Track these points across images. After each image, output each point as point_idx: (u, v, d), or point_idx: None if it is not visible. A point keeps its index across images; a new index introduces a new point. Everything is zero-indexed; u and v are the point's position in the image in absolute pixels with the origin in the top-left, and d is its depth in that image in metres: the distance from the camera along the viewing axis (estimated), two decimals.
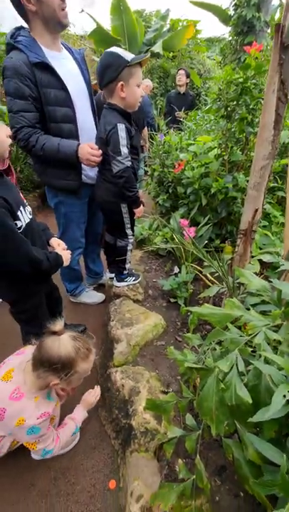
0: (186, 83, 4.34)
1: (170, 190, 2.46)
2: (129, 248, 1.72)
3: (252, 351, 0.82)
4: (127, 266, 1.78)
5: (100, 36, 6.12)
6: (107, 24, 6.22)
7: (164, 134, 2.88)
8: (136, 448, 0.99)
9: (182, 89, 4.32)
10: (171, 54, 6.69)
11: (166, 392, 1.15)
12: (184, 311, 1.53)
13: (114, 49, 1.25)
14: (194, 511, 0.78)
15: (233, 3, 4.41)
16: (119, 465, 1.08)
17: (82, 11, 6.17)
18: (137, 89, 1.31)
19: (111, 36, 6.07)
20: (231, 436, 0.93)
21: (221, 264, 1.30)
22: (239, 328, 0.95)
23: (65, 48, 1.41)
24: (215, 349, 1.10)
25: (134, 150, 1.43)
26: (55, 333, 0.92)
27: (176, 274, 1.88)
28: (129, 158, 1.33)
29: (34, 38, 1.25)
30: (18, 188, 1.96)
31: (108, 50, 1.26)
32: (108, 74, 1.25)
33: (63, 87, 1.29)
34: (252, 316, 0.85)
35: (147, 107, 4.02)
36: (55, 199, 1.54)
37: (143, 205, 1.63)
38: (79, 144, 1.32)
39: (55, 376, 0.92)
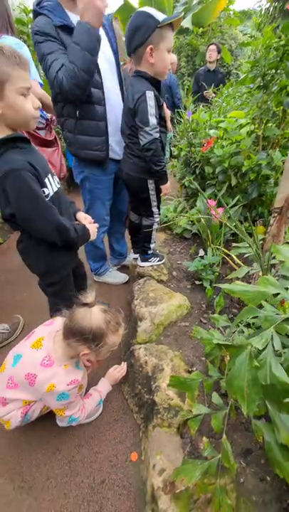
0: (217, 60, 4.10)
1: (197, 171, 2.36)
2: (154, 227, 1.68)
3: None
4: (152, 246, 1.74)
5: (127, 14, 5.87)
6: (134, 1, 5.97)
7: (192, 112, 2.74)
8: (158, 423, 0.98)
9: (212, 66, 4.08)
10: (200, 30, 6.32)
11: (190, 372, 1.13)
12: (210, 292, 1.48)
13: (145, 8, 1.16)
14: (218, 490, 0.76)
15: None
16: (141, 438, 1.09)
17: None
18: (167, 54, 1.21)
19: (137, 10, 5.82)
20: (260, 418, 0.89)
21: (255, 241, 1.22)
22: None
23: None
24: (243, 331, 1.05)
25: (162, 122, 1.36)
26: (86, 304, 0.92)
27: (201, 257, 1.82)
28: (158, 130, 1.26)
29: (59, 2, 1.21)
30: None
31: (139, 9, 1.17)
32: (137, 37, 1.16)
33: None
34: None
35: (175, 87, 3.84)
36: (81, 175, 1.52)
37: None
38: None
39: (85, 346, 0.93)
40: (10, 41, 1.43)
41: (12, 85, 0.80)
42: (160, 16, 1.14)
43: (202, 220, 1.95)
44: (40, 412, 1.06)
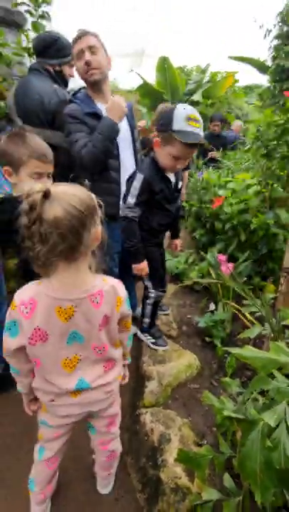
0: (218, 125, 4.54)
1: (207, 226, 2.47)
2: (148, 302, 1.51)
3: None
4: (146, 320, 1.57)
5: (145, 90, 6.86)
6: (152, 81, 6.98)
7: (202, 172, 2.98)
8: (164, 508, 0.88)
9: (216, 131, 4.50)
10: (210, 101, 7.18)
11: (200, 445, 1.03)
12: (221, 352, 1.43)
13: (179, 107, 1.13)
14: None
15: (271, 55, 4.70)
16: None
17: (132, 70, 7.04)
18: (169, 158, 1.20)
19: (155, 89, 6.74)
20: (279, 510, 0.78)
21: (263, 303, 1.21)
22: (287, 376, 0.84)
23: None
24: (257, 399, 0.98)
25: (162, 205, 1.35)
26: None
27: (212, 312, 1.79)
28: (134, 210, 1.28)
29: (89, 94, 1.51)
30: None
31: (180, 104, 1.17)
32: (159, 122, 1.22)
33: None
34: None
35: None
36: None
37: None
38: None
39: None
40: None
41: (26, 168, 1.04)
42: (178, 125, 1.10)
43: (212, 274, 1.97)
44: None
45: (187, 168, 3.54)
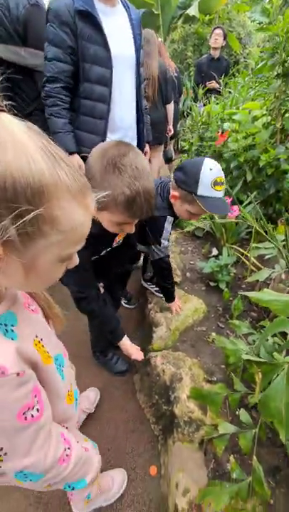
0: (222, 47, 3.81)
1: None
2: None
3: None
4: (149, 274, 1.67)
5: (130, 2, 5.72)
6: None
7: (204, 104, 2.63)
8: (179, 437, 0.93)
9: (216, 54, 3.62)
10: (207, 18, 6.09)
11: (210, 381, 1.07)
12: (228, 295, 1.41)
13: (206, 166, 0.98)
14: None
15: None
16: (159, 451, 1.04)
17: None
18: (186, 214, 1.11)
19: (142, 0, 5.63)
20: None
21: (277, 244, 1.15)
22: None
23: (123, 4, 1.26)
24: (267, 339, 0.99)
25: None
26: None
27: (215, 256, 1.75)
28: (169, 249, 1.25)
29: None
30: None
31: (207, 159, 1.00)
32: (179, 176, 1.04)
33: (105, 45, 1.15)
34: None
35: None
36: None
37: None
38: (73, 153, 1.22)
39: None
40: None
41: (111, 216, 0.73)
42: (203, 190, 0.99)
43: (216, 217, 1.87)
44: None
45: (168, 101, 2.46)
